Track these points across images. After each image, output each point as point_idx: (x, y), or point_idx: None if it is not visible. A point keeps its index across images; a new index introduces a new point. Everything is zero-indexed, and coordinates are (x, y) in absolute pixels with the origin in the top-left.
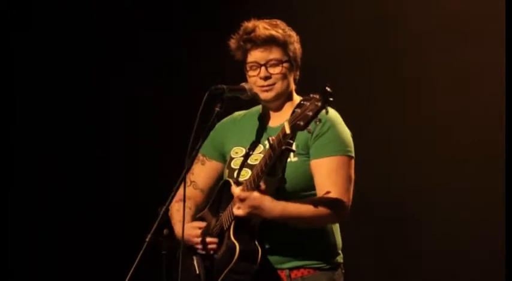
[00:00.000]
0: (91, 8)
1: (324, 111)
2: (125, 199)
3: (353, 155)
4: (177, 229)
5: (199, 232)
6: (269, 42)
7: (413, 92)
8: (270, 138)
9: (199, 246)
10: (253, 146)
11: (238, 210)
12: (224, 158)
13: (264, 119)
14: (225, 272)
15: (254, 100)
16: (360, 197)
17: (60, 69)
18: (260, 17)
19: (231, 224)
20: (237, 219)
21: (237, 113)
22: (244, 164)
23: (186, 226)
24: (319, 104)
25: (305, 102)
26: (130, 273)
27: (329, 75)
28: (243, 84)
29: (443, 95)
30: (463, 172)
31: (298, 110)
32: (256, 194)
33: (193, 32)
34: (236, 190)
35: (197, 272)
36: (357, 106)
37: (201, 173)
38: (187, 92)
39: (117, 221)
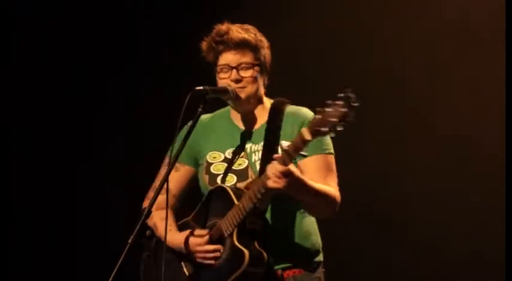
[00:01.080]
0: (75, 10)
1: (349, 117)
2: (107, 200)
3: (333, 152)
4: (174, 240)
5: (203, 240)
6: (242, 45)
7: (412, 93)
8: (284, 144)
9: (201, 254)
10: (235, 152)
11: (275, 183)
12: (196, 163)
13: (236, 123)
14: (234, 277)
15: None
16: (360, 195)
17: (41, 68)
18: (235, 20)
19: (233, 230)
20: (240, 225)
21: (204, 116)
22: (229, 170)
23: (183, 234)
24: (344, 110)
25: (326, 109)
26: (113, 274)
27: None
28: (226, 85)
29: (442, 96)
30: (462, 172)
31: (319, 116)
32: (297, 170)
33: (177, 33)
34: (277, 165)
35: (186, 274)
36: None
37: (174, 179)
38: (169, 93)
39: (99, 222)
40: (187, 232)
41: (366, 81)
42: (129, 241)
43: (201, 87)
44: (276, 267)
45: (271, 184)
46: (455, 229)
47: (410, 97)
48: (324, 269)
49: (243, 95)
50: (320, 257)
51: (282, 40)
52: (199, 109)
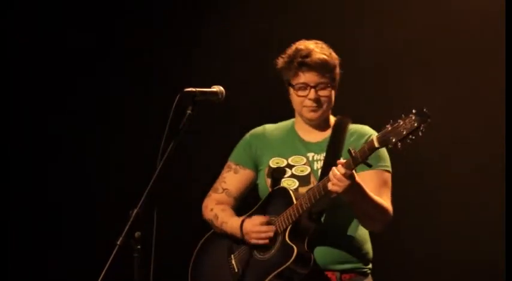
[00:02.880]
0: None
1: (419, 132)
2: (97, 201)
3: (391, 170)
4: (232, 222)
5: (259, 220)
6: (322, 66)
7: (410, 92)
8: (352, 150)
9: (255, 234)
10: (298, 159)
11: (335, 186)
12: (256, 167)
13: (300, 134)
14: (279, 270)
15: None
16: None
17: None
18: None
19: (287, 227)
20: (294, 224)
21: (268, 125)
22: (291, 175)
23: (240, 218)
24: (416, 124)
25: (399, 121)
26: (101, 276)
27: None
28: (215, 87)
29: (441, 95)
30: (462, 172)
31: (389, 127)
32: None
33: (165, 34)
34: (341, 168)
35: (236, 270)
36: (354, 106)
37: (234, 181)
38: (159, 94)
39: (89, 223)
40: (243, 216)
41: (364, 82)
42: (118, 242)
43: (190, 89)
44: (335, 267)
45: (331, 186)
46: (455, 230)
47: (409, 97)
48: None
49: (318, 113)
50: (370, 265)
51: None
52: (188, 111)
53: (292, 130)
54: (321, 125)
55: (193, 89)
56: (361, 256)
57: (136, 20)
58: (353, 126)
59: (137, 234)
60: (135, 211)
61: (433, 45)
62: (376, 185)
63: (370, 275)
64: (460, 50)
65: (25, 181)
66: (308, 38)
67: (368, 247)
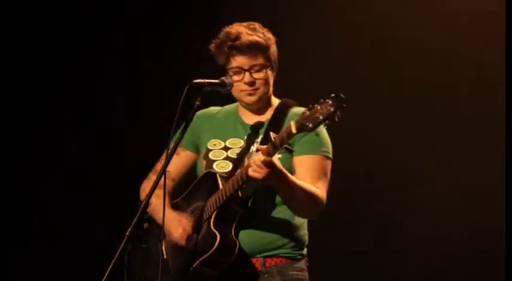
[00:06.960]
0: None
1: (335, 117)
2: (104, 193)
3: (331, 157)
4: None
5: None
6: (253, 48)
7: (410, 91)
8: (272, 135)
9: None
10: (235, 142)
11: (255, 172)
12: (198, 149)
13: (242, 117)
14: (201, 259)
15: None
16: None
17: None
18: (236, 19)
19: (212, 214)
20: (220, 210)
21: (212, 108)
22: (226, 157)
23: (173, 218)
24: (332, 109)
25: (316, 106)
26: (109, 267)
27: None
28: (223, 78)
29: (441, 94)
30: (462, 171)
31: (307, 112)
32: (277, 160)
33: (173, 27)
34: (260, 155)
35: (165, 256)
36: (354, 103)
37: (174, 163)
38: (167, 86)
39: (96, 215)
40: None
41: (364, 82)
42: (127, 233)
43: (198, 80)
44: (258, 255)
45: (250, 172)
46: (455, 229)
47: (406, 96)
48: (308, 263)
49: (256, 96)
50: (304, 251)
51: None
52: (197, 102)
53: (235, 113)
54: (262, 108)
55: (202, 81)
56: (292, 242)
57: (146, 13)
58: (296, 109)
59: (146, 225)
60: (144, 202)
61: (432, 45)
62: (314, 171)
63: (303, 261)
64: (460, 49)
65: (27, 176)
66: (314, 31)
67: (302, 233)
